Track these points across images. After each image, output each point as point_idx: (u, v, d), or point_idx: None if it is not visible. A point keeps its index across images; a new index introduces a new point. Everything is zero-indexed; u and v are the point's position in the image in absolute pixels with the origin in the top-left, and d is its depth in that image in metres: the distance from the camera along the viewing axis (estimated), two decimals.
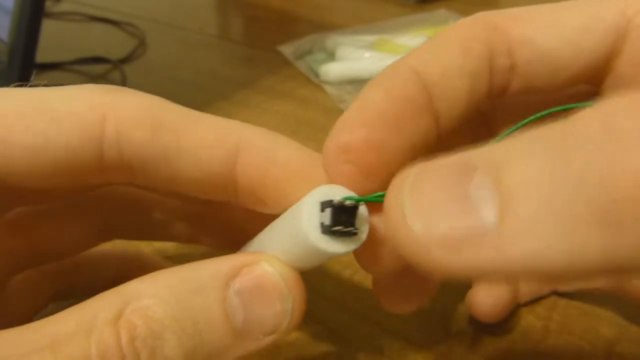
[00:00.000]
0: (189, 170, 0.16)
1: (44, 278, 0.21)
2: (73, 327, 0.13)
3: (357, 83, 0.45)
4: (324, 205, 0.14)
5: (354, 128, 0.15)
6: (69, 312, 0.14)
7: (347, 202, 0.14)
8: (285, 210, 0.17)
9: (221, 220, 0.22)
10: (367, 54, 0.47)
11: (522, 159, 0.11)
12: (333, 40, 0.50)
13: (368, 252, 0.16)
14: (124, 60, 0.52)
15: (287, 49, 0.52)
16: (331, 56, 0.49)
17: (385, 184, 0.14)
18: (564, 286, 0.24)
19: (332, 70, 0.46)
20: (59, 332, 0.13)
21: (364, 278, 0.26)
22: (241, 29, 0.65)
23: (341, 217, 0.14)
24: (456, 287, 0.25)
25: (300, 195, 0.16)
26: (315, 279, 0.26)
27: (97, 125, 0.16)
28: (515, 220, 0.10)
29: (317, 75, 0.47)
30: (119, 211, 0.21)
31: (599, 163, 0.10)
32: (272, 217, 0.17)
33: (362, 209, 0.15)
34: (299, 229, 0.14)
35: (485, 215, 0.11)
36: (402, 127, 0.15)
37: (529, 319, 0.24)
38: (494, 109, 0.20)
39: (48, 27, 0.45)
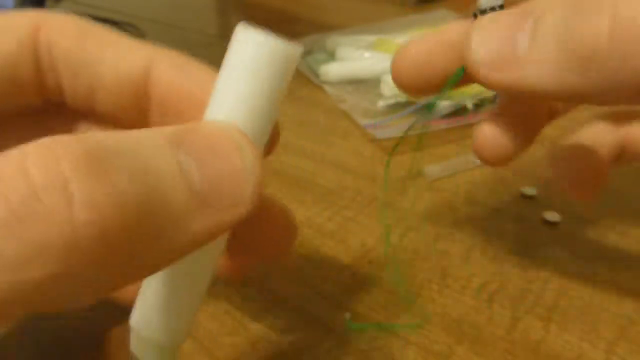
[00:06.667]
0: (109, 77, 0.18)
1: None
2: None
3: (357, 83, 0.45)
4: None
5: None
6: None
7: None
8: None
9: None
10: (367, 54, 0.47)
11: (550, 13, 0.16)
12: (333, 40, 0.50)
13: None
14: None
15: None
16: (331, 56, 0.49)
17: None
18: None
19: (332, 70, 0.46)
20: None
21: (364, 278, 0.26)
22: None
23: None
24: (455, 288, 0.25)
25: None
26: (315, 279, 0.26)
27: (32, 34, 0.18)
28: (535, 52, 0.16)
29: (317, 75, 0.47)
30: None
31: (578, 27, 0.15)
32: None
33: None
34: (265, 51, 0.16)
35: (522, 47, 0.17)
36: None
37: (529, 319, 0.24)
38: None
39: None
